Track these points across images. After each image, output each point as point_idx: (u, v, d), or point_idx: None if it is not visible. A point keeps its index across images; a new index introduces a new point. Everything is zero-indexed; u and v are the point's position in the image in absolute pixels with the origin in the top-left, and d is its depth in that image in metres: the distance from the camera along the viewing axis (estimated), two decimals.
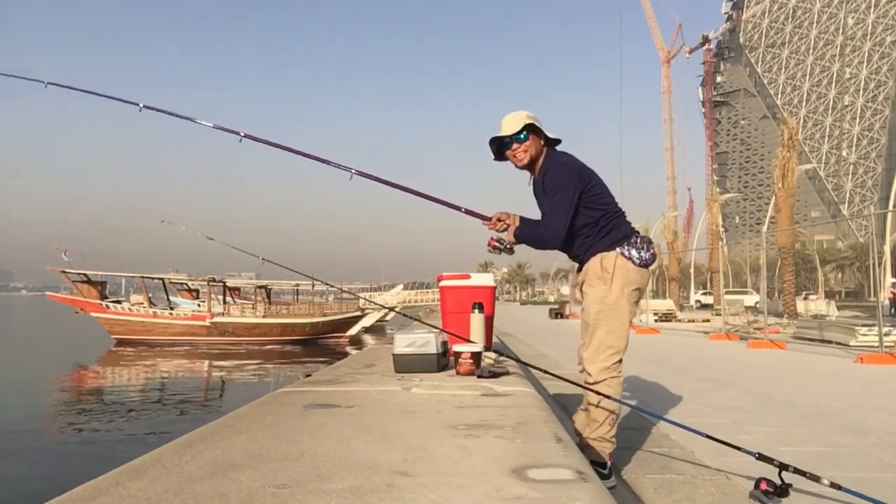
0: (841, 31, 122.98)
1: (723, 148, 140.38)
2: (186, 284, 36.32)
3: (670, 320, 22.95)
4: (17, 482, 8.04)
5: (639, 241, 2.77)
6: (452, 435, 1.87)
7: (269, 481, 1.41)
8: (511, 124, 2.82)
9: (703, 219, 46.05)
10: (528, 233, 2.92)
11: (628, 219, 2.86)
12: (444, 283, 3.79)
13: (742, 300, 23.48)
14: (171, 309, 32.84)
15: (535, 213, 2.93)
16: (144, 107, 3.67)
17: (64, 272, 31.34)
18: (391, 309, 27.87)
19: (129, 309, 31.55)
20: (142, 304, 32.03)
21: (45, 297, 39.06)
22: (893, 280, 27.62)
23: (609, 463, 2.77)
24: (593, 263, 2.78)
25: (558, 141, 2.91)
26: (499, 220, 3.01)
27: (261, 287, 36.23)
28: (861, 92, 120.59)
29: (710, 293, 41.83)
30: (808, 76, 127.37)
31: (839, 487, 2.37)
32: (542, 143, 2.85)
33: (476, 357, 3.14)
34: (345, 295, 34.58)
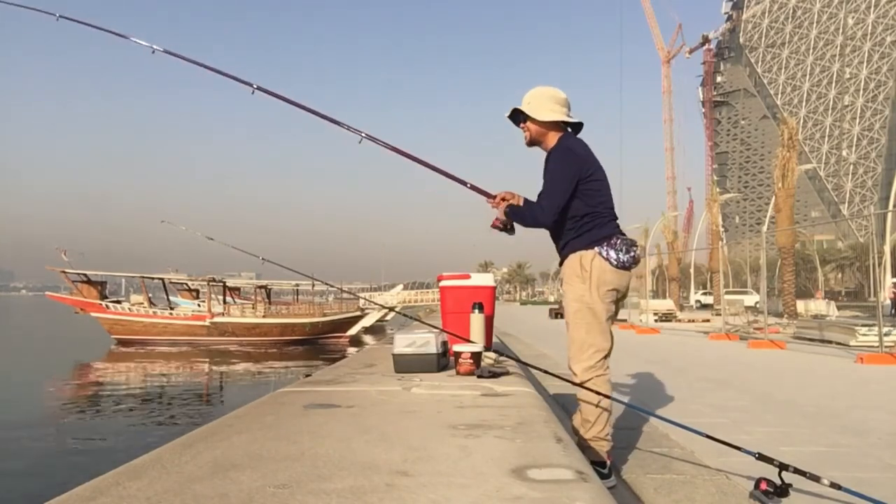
0: (841, 31, 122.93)
1: (723, 148, 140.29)
2: (186, 284, 36.35)
3: (670, 320, 22.95)
4: (17, 482, 8.04)
5: (619, 242, 2.75)
6: (452, 435, 1.87)
7: (269, 481, 1.41)
8: (524, 101, 2.88)
9: (703, 219, 46.01)
10: (522, 210, 2.91)
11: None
12: (444, 283, 3.79)
13: (742, 300, 23.45)
14: (171, 309, 32.86)
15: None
16: (157, 50, 3.66)
17: (64, 272, 31.37)
18: (391, 309, 27.89)
19: (129, 309, 31.57)
20: (142, 304, 32.04)
21: (45, 297, 39.08)
22: (894, 280, 27.62)
23: (608, 462, 2.77)
24: (572, 261, 2.79)
25: (579, 125, 2.92)
26: (503, 199, 3.00)
27: (261, 287, 36.25)
28: (861, 92, 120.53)
29: (710, 293, 41.78)
30: (808, 76, 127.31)
31: (839, 487, 2.37)
32: (547, 126, 2.85)
33: (476, 357, 3.14)
34: (345, 295, 34.61)
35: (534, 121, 2.86)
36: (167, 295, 35.47)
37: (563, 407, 4.40)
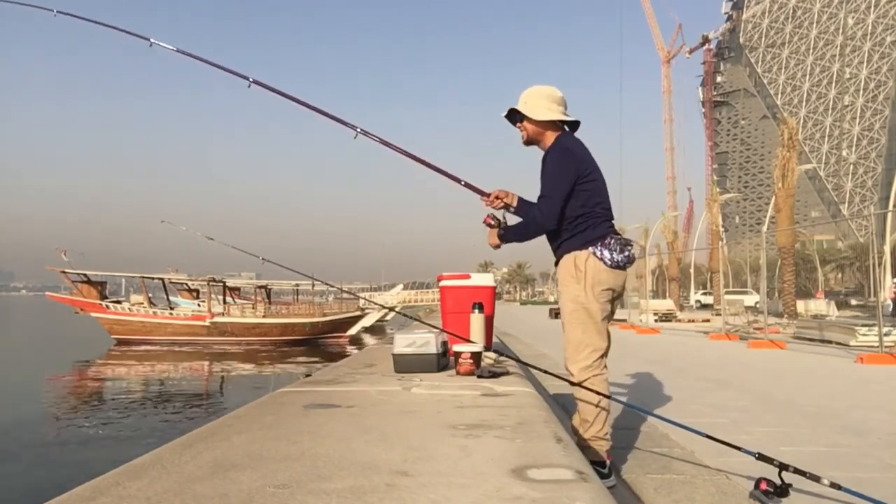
0: (841, 31, 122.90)
1: (723, 148, 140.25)
2: (186, 284, 36.36)
3: (670, 320, 22.94)
4: (17, 482, 8.04)
5: (613, 242, 2.75)
6: (452, 435, 1.87)
7: (269, 481, 1.41)
8: (520, 100, 2.88)
9: (703, 219, 45.95)
10: (519, 226, 2.91)
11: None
12: (444, 283, 3.79)
13: (742, 300, 23.44)
14: (171, 309, 32.86)
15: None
16: (154, 43, 3.66)
17: (64, 272, 31.35)
18: (391, 309, 27.87)
19: (129, 309, 31.56)
20: (142, 304, 32.03)
21: (45, 297, 39.07)
22: (895, 280, 27.57)
23: (608, 462, 2.77)
24: (567, 262, 2.79)
25: (576, 124, 2.92)
26: (497, 197, 3.00)
27: (261, 287, 36.22)
28: (861, 92, 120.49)
29: (710, 293, 41.75)
30: (808, 76, 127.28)
31: (839, 487, 2.37)
32: (543, 125, 2.85)
33: (476, 357, 3.13)
34: (345, 295, 34.61)
35: (530, 120, 2.85)
36: (167, 295, 35.47)
37: (563, 407, 4.40)
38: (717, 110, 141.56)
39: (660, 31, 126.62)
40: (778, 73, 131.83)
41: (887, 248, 25.47)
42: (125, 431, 11.14)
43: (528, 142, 2.92)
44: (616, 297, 2.84)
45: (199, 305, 34.09)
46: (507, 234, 2.94)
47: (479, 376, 3.04)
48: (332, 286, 27.20)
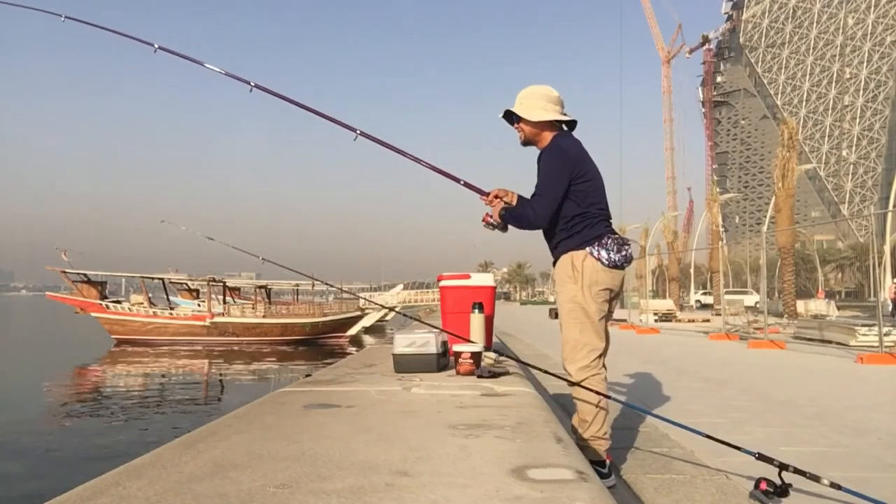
0: (841, 31, 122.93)
1: (723, 148, 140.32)
2: (186, 284, 36.34)
3: (670, 320, 22.93)
4: (17, 482, 8.03)
5: (609, 241, 2.74)
6: (452, 435, 1.87)
7: (269, 481, 1.41)
8: (516, 101, 2.88)
9: (703, 219, 45.96)
10: (516, 212, 2.89)
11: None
12: (444, 283, 3.80)
13: (742, 300, 23.48)
14: (171, 309, 32.84)
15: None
16: (159, 48, 3.68)
17: (64, 272, 31.33)
18: (391, 309, 27.87)
19: (129, 309, 31.53)
20: (142, 304, 32.01)
21: (46, 297, 39.04)
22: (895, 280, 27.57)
23: (608, 462, 2.77)
24: (564, 262, 2.79)
25: (573, 123, 2.91)
26: (496, 196, 2.98)
27: (261, 287, 36.21)
28: (861, 92, 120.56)
29: (710, 293, 41.75)
30: (808, 76, 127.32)
31: (839, 487, 2.37)
32: (540, 125, 2.84)
33: (476, 357, 3.14)
34: (345, 295, 34.58)
35: (526, 121, 2.85)
36: (167, 295, 35.46)
37: (563, 407, 4.40)
38: (717, 110, 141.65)
39: (660, 31, 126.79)
40: (778, 73, 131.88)
41: (887, 248, 25.45)
42: (125, 431, 11.13)
43: (526, 142, 2.92)
44: (614, 297, 2.84)
45: (199, 305, 34.06)
46: (508, 216, 2.92)
47: (479, 376, 3.04)
48: (331, 286, 27.17)
